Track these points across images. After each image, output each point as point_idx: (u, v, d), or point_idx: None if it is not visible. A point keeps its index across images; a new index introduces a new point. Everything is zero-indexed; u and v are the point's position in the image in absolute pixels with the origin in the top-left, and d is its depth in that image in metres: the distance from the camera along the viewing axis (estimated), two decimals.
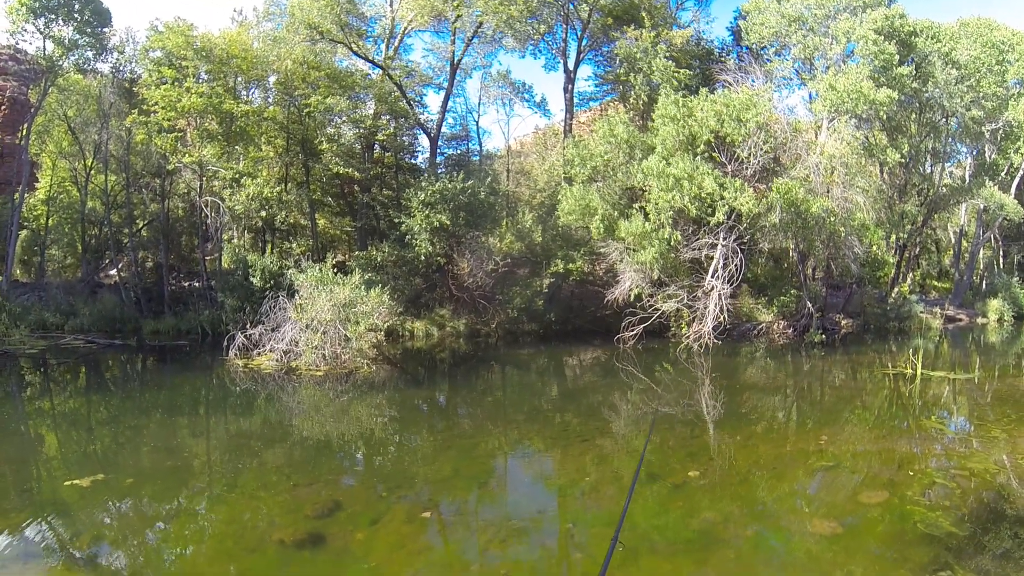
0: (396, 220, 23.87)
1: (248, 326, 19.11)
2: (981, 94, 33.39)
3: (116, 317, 25.52)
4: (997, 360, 24.47)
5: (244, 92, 29.50)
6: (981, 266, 45.45)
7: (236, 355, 18.54)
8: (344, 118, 29.13)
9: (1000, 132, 38.53)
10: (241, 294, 21.89)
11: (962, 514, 9.10)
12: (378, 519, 7.77)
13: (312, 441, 11.73)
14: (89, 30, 28.34)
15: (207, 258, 28.46)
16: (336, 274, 19.04)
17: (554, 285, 24.82)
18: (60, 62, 28.01)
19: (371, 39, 30.67)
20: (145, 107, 25.69)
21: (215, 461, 10.68)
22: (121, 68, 29.99)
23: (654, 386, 17.45)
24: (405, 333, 23.04)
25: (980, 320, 37.40)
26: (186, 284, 29.72)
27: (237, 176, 26.24)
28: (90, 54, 29.12)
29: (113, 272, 30.90)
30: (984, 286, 42.49)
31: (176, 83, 25.25)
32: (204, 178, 26.72)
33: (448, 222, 22.29)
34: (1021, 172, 39.66)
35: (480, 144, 35.37)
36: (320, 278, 18.47)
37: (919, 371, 19.51)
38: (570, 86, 31.37)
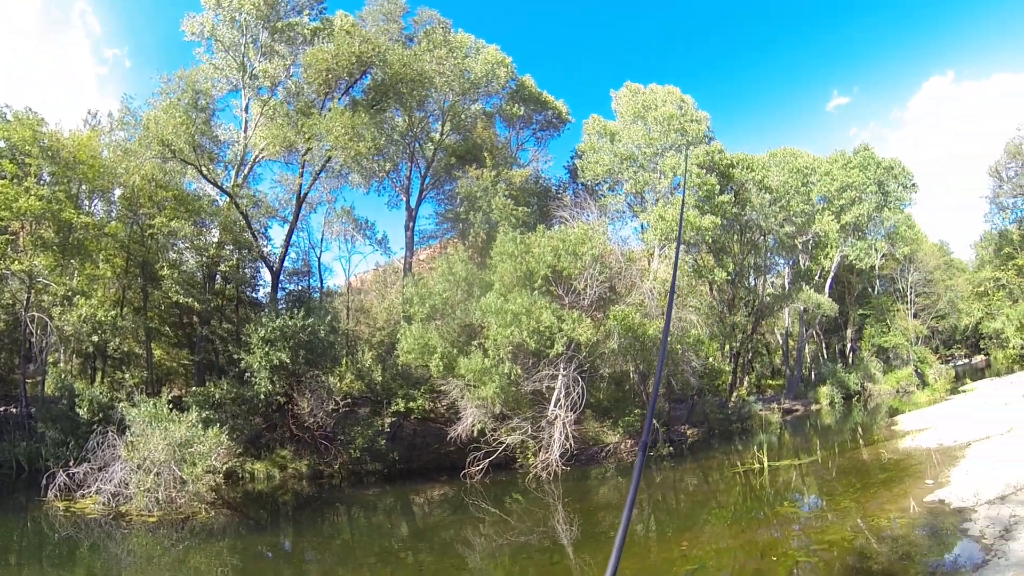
0: (236, 356, 22.26)
1: (72, 463, 16.97)
2: (792, 212, 36.61)
3: None
4: (835, 439, 26.10)
5: (87, 202, 27.14)
6: (808, 359, 48.83)
7: (56, 496, 16.33)
8: (187, 244, 27.27)
9: (810, 242, 42.38)
10: (65, 426, 19.29)
11: None
12: None
13: None
14: None
15: (28, 381, 24.81)
16: (172, 410, 17.39)
17: (396, 424, 23.80)
18: None
19: (221, 164, 29.47)
20: None
21: None
22: None
23: (506, 517, 16.83)
24: (245, 475, 20.98)
25: (814, 407, 39.72)
26: (1, 409, 25.84)
27: (69, 293, 23.55)
28: None
29: None
30: (813, 376, 45.68)
31: (15, 180, 22.53)
32: (33, 291, 23.52)
33: (288, 360, 20.98)
34: (832, 274, 43.48)
35: (321, 281, 34.05)
36: (154, 414, 16.82)
37: (766, 463, 20.21)
38: (411, 224, 31.57)
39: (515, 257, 21.92)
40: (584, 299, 22.33)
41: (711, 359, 28.89)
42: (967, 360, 51.14)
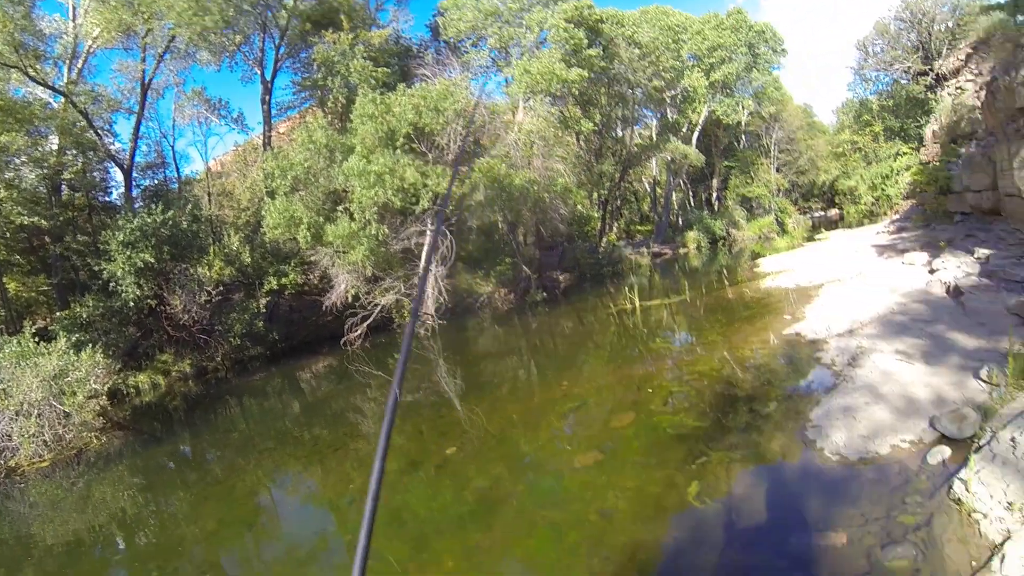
0: (97, 268, 20.41)
1: None
2: (661, 68, 36.36)
3: None
4: (702, 280, 27.12)
5: None
6: (676, 207, 50.63)
7: None
8: (23, 157, 23.77)
9: (679, 97, 42.62)
10: None
11: (702, 409, 10.12)
12: None
13: (61, 546, 9.40)
14: None
15: None
16: (39, 343, 15.75)
17: (271, 303, 23.07)
18: None
19: (51, 61, 25.82)
20: None
21: None
22: None
23: (390, 378, 16.47)
24: (130, 391, 19.69)
25: (682, 251, 41.24)
26: None
27: None
28: None
29: None
30: (681, 223, 47.41)
31: None
32: None
33: (153, 259, 19.48)
34: (699, 127, 44.40)
35: (178, 170, 31.36)
36: (20, 352, 15.14)
37: (638, 304, 20.85)
38: (268, 97, 29.10)
39: (376, 118, 20.84)
40: (448, 154, 21.78)
41: (580, 206, 29.08)
42: (823, 213, 54.13)
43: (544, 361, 16.82)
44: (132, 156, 26.06)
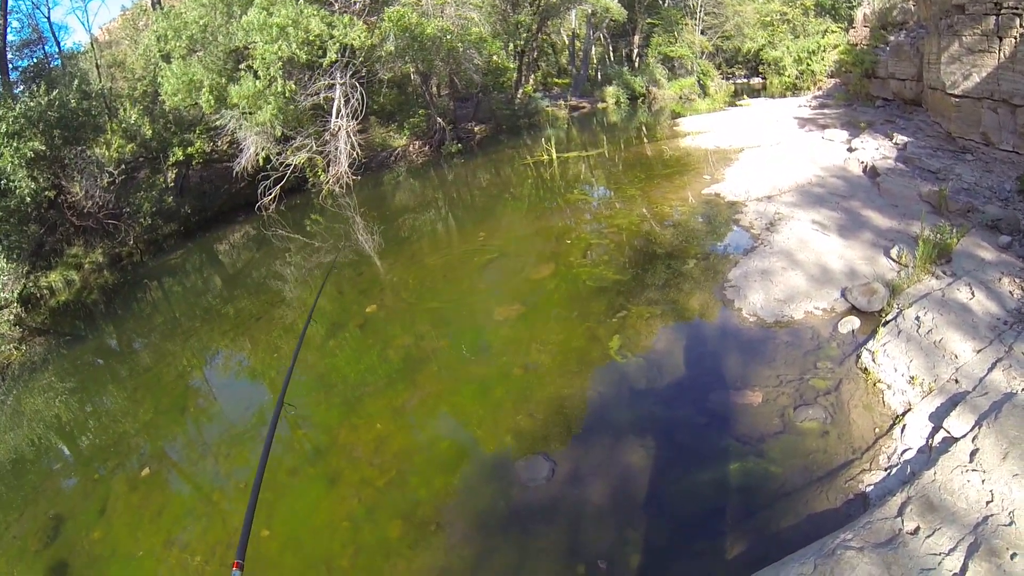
0: None
1: None
2: None
3: None
4: (620, 135, 25.82)
5: None
6: (595, 61, 47.78)
7: None
8: None
9: None
10: None
11: (622, 263, 9.74)
12: (105, 505, 6.31)
13: (2, 466, 8.27)
14: None
15: None
16: None
17: (180, 175, 20.26)
18: None
19: None
20: None
21: None
22: None
23: (309, 240, 15.68)
24: (43, 293, 17.00)
25: (600, 105, 38.96)
26: None
27: None
28: None
29: None
30: (600, 77, 44.71)
31: None
32: None
33: (44, 147, 16.17)
34: None
35: (58, 44, 26.19)
36: None
37: (555, 156, 19.89)
38: None
39: None
40: (355, 2, 19.13)
41: (495, 57, 27.07)
42: (746, 80, 51.43)
43: (461, 213, 15.94)
44: (3, 36, 21.39)
